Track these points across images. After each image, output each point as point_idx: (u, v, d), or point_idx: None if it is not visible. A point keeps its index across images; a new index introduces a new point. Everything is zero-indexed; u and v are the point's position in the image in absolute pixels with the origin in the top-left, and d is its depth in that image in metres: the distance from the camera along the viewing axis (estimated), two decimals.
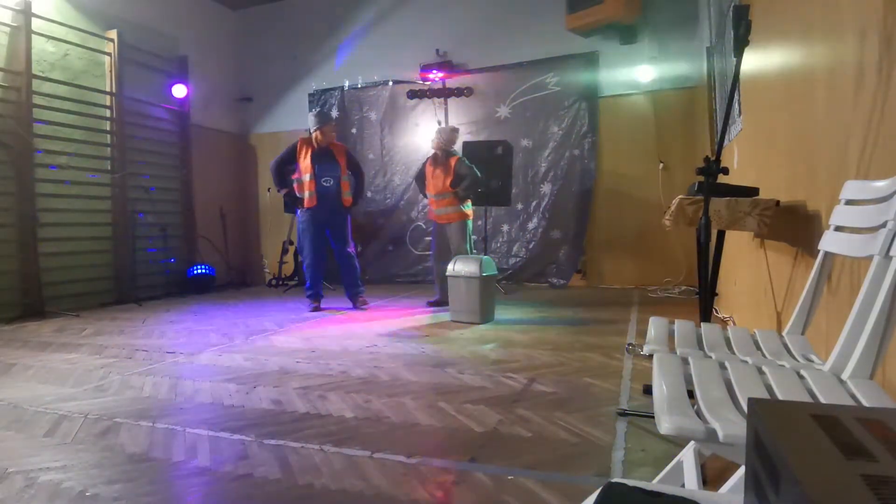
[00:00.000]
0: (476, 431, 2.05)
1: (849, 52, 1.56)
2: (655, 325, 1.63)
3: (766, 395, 1.07)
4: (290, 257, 7.24)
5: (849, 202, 1.44)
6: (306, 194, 4.87)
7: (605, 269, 6.40)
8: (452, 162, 4.89)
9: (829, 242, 1.48)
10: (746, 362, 1.29)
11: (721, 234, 2.59)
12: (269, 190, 7.87)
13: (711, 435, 0.90)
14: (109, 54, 6.10)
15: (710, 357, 1.34)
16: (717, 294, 3.40)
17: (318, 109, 5.37)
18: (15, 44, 5.17)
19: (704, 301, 2.19)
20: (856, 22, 1.51)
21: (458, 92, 6.78)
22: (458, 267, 4.25)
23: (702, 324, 1.68)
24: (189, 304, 5.89)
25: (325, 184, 4.90)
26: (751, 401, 0.63)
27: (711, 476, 1.59)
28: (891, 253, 1.12)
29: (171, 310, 5.44)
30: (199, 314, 5.15)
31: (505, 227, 6.60)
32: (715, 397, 1.04)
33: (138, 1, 6.51)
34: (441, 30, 6.92)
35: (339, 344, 3.61)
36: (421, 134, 6.90)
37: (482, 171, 5.55)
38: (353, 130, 7.30)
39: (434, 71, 6.79)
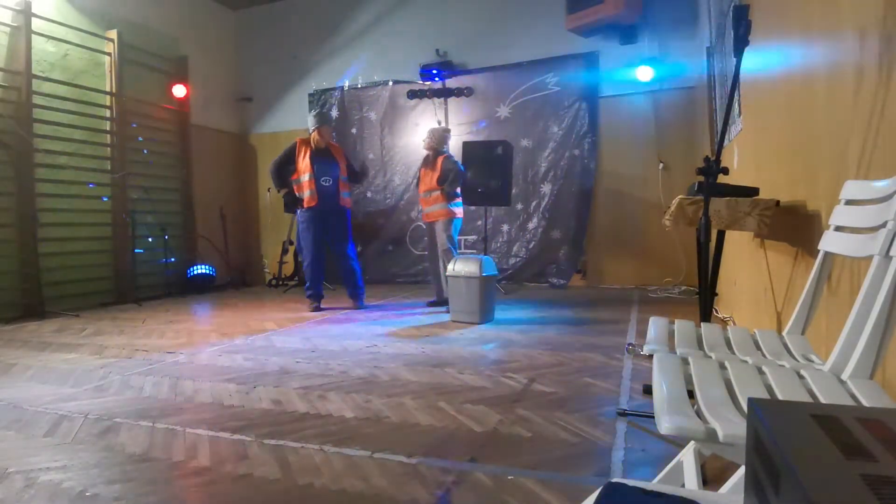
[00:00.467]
0: (476, 431, 2.04)
1: (849, 52, 1.56)
2: (655, 325, 1.63)
3: (766, 395, 1.07)
4: (290, 257, 7.24)
5: (849, 202, 1.44)
6: (306, 194, 4.88)
7: (605, 269, 6.40)
8: (440, 160, 4.92)
9: (829, 242, 1.48)
10: (746, 362, 1.29)
11: (721, 234, 2.59)
12: (269, 190, 7.87)
13: (711, 435, 0.90)
14: (109, 54, 6.10)
15: (710, 357, 1.34)
16: (717, 294, 3.40)
17: (316, 110, 5.38)
18: (15, 44, 5.17)
19: (704, 301, 2.19)
20: (856, 22, 1.51)
21: (458, 92, 6.78)
22: (458, 267, 4.25)
23: (702, 324, 1.68)
24: (189, 304, 5.89)
25: (324, 183, 4.91)
26: (751, 401, 0.63)
27: (711, 476, 1.59)
28: (891, 253, 1.12)
29: (171, 310, 5.44)
30: (199, 314, 5.15)
31: (505, 227, 6.60)
32: (715, 397, 1.04)
33: (138, 1, 6.51)
34: (441, 30, 6.92)
35: (339, 344, 3.61)
36: (421, 134, 6.88)
37: (482, 171, 5.54)
38: (353, 130, 7.30)
39: (434, 71, 6.80)
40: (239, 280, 7.60)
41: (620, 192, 6.30)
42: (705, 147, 5.01)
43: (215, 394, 2.59)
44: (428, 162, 5.05)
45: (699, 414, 0.98)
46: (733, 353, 1.44)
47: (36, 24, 5.32)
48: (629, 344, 3.34)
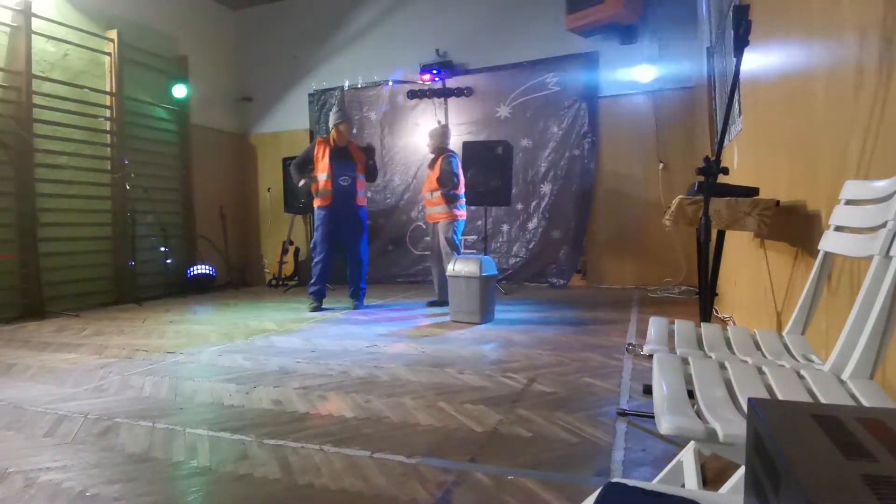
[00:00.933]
0: (476, 431, 2.04)
1: (849, 52, 1.56)
2: (655, 325, 1.63)
3: (766, 395, 1.07)
4: (289, 257, 7.24)
5: (849, 202, 1.44)
6: (322, 193, 4.89)
7: (605, 269, 6.40)
8: (440, 161, 4.94)
9: (829, 242, 1.48)
10: (746, 362, 1.29)
11: (721, 234, 2.59)
12: (269, 190, 7.87)
13: (711, 435, 0.90)
14: (109, 54, 6.10)
15: (710, 357, 1.34)
16: (717, 294, 3.40)
17: (337, 108, 5.36)
18: (15, 44, 5.17)
19: (704, 301, 2.19)
20: (856, 22, 1.51)
21: (458, 92, 6.78)
22: (458, 267, 4.25)
23: (702, 324, 1.68)
24: (189, 304, 5.89)
25: (342, 183, 4.94)
26: (751, 401, 0.63)
27: (711, 476, 1.59)
28: (891, 253, 1.12)
29: (171, 310, 5.44)
30: (199, 314, 5.15)
31: (505, 227, 6.60)
32: (715, 397, 1.04)
33: (138, 1, 6.51)
34: (441, 30, 6.92)
35: (339, 344, 3.61)
36: (421, 134, 6.90)
37: (482, 172, 5.55)
38: (354, 130, 7.29)
39: (434, 71, 6.80)
40: (239, 280, 7.60)
41: (620, 192, 6.30)
42: (705, 147, 5.01)
43: (215, 394, 2.59)
44: (431, 163, 5.10)
45: (699, 414, 0.98)
46: (733, 353, 1.44)
47: (36, 24, 5.32)
48: (629, 344, 3.34)
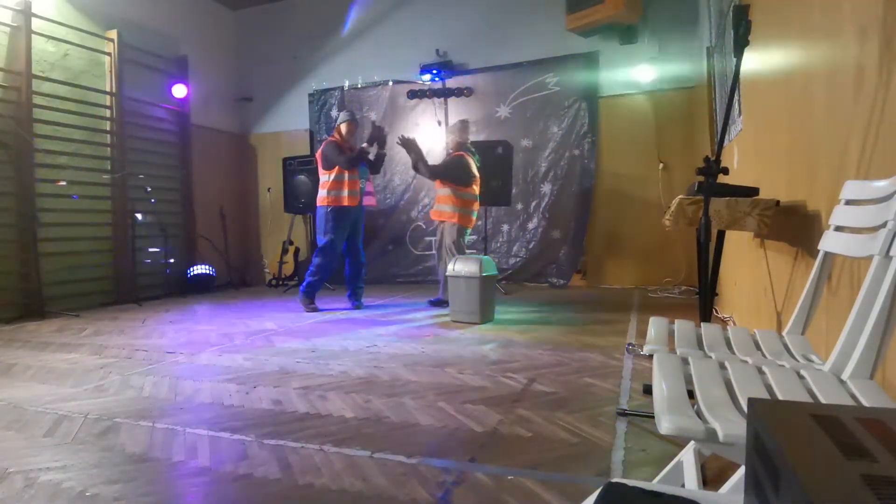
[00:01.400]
0: (476, 431, 2.05)
1: (849, 52, 1.56)
2: (655, 325, 1.63)
3: (766, 395, 1.07)
4: (289, 257, 7.24)
5: (849, 202, 1.44)
6: (346, 192, 4.85)
7: (605, 269, 6.40)
8: (449, 157, 4.94)
9: (829, 242, 1.48)
10: (746, 362, 1.29)
11: (721, 234, 2.59)
12: (269, 190, 7.87)
13: (711, 435, 0.90)
14: (109, 54, 6.10)
15: (710, 357, 1.34)
16: (717, 294, 3.40)
17: (347, 110, 5.33)
18: (15, 44, 5.17)
19: (704, 301, 2.19)
20: (856, 22, 1.51)
21: (458, 92, 6.78)
22: (458, 267, 4.25)
23: (702, 324, 1.68)
24: (189, 304, 5.89)
25: (361, 184, 4.97)
26: (751, 401, 0.63)
27: (711, 476, 1.59)
28: (891, 253, 1.12)
29: (171, 310, 5.44)
30: (199, 314, 5.15)
31: (505, 227, 6.61)
32: (715, 397, 1.04)
33: (138, 1, 6.51)
34: (441, 30, 6.93)
35: (339, 344, 3.61)
36: (421, 134, 6.90)
37: (482, 171, 5.56)
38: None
39: (434, 71, 6.80)
40: (239, 280, 7.60)
41: (620, 192, 6.30)
42: (705, 147, 5.01)
43: (215, 394, 2.59)
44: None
45: (699, 414, 0.98)
46: (733, 353, 1.44)
47: (36, 24, 5.32)
48: (629, 344, 3.34)
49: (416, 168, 5.06)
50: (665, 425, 0.93)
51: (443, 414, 2.24)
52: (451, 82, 6.82)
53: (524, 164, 6.47)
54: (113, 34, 6.09)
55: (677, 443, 1.78)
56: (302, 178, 6.87)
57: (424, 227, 6.96)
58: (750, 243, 3.03)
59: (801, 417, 0.58)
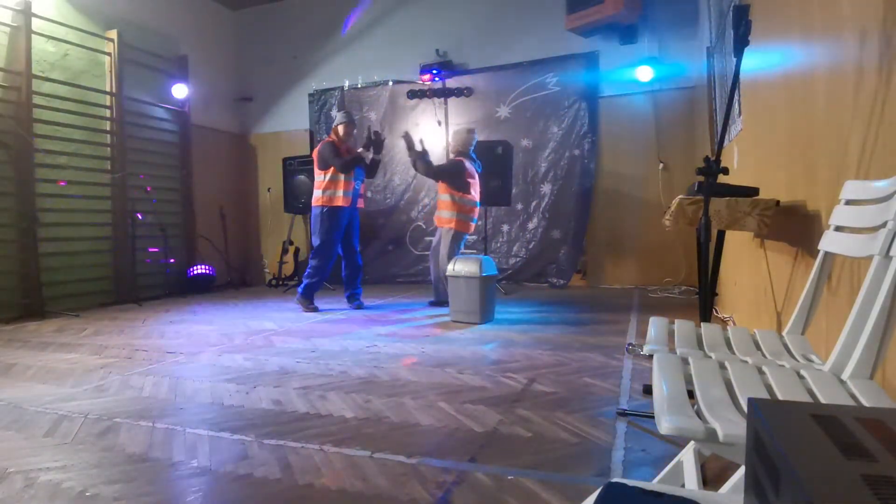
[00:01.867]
0: (476, 431, 2.04)
1: (849, 52, 1.56)
2: (655, 325, 1.63)
3: (766, 395, 1.07)
4: (289, 257, 7.24)
5: (849, 202, 1.44)
6: (341, 193, 4.85)
7: (605, 269, 6.40)
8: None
9: (829, 242, 1.48)
10: (746, 362, 1.29)
11: (721, 234, 2.59)
12: (269, 190, 7.87)
13: (711, 435, 0.90)
14: (109, 54, 6.10)
15: (710, 357, 1.34)
16: (717, 294, 3.40)
17: (345, 111, 5.35)
18: (15, 44, 5.17)
19: (704, 301, 2.19)
20: (856, 22, 1.51)
21: (458, 92, 6.78)
22: (458, 267, 4.24)
23: (702, 324, 1.68)
24: (189, 304, 5.89)
25: (357, 185, 4.98)
26: (751, 401, 0.63)
27: (711, 476, 1.59)
28: (891, 253, 1.12)
29: (171, 310, 5.44)
30: (199, 314, 5.15)
31: (505, 227, 6.60)
32: (715, 397, 1.04)
33: (138, 1, 6.50)
34: (441, 30, 6.92)
35: (339, 344, 3.61)
36: (421, 134, 6.89)
37: (482, 172, 5.56)
38: (353, 130, 7.29)
39: (434, 71, 6.80)
40: (239, 280, 7.60)
41: (620, 192, 6.30)
42: (705, 147, 5.01)
43: (215, 394, 2.59)
44: None
45: (699, 414, 0.98)
46: (733, 353, 1.44)
47: (36, 24, 5.32)
48: (629, 344, 3.34)
49: (414, 166, 5.08)
50: (665, 425, 0.93)
51: (443, 414, 2.24)
52: (451, 82, 6.82)
53: (524, 164, 6.47)
54: (113, 34, 6.09)
55: (677, 443, 1.78)
56: (302, 178, 6.87)
57: (424, 227, 6.96)
58: (750, 243, 3.03)
59: (801, 417, 0.58)
